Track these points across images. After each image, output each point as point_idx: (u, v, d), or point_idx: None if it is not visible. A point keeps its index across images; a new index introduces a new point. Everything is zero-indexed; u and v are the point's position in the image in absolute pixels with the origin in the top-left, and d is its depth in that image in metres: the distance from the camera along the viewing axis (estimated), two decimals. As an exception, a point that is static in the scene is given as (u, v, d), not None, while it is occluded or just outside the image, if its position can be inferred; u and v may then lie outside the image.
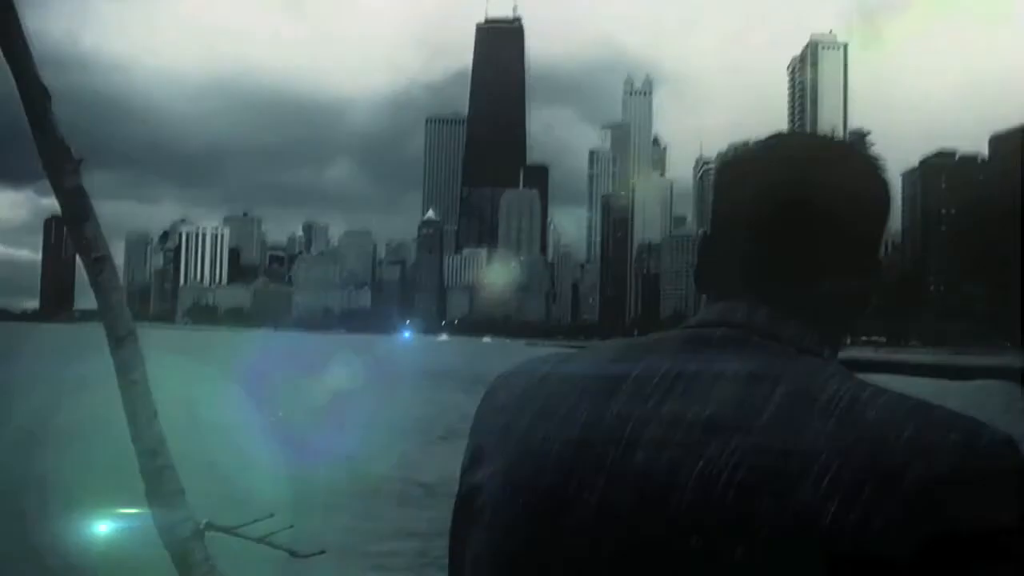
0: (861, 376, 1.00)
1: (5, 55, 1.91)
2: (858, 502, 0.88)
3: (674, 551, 0.93)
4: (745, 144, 1.15)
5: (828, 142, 1.14)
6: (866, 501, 0.88)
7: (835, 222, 1.08)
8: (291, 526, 2.05)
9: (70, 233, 1.95)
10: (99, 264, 1.93)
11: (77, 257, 1.97)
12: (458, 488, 1.15)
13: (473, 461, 1.13)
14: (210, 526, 1.91)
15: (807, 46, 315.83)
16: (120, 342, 1.91)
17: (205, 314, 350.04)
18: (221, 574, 1.88)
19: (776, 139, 1.15)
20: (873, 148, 1.15)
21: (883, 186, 1.13)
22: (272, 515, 2.03)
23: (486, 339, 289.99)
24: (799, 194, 1.08)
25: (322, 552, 2.18)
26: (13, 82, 1.93)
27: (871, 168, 1.13)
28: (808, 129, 1.15)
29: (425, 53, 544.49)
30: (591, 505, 0.98)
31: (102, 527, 2.94)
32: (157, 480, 1.87)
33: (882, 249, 1.15)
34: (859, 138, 1.13)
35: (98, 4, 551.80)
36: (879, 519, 0.88)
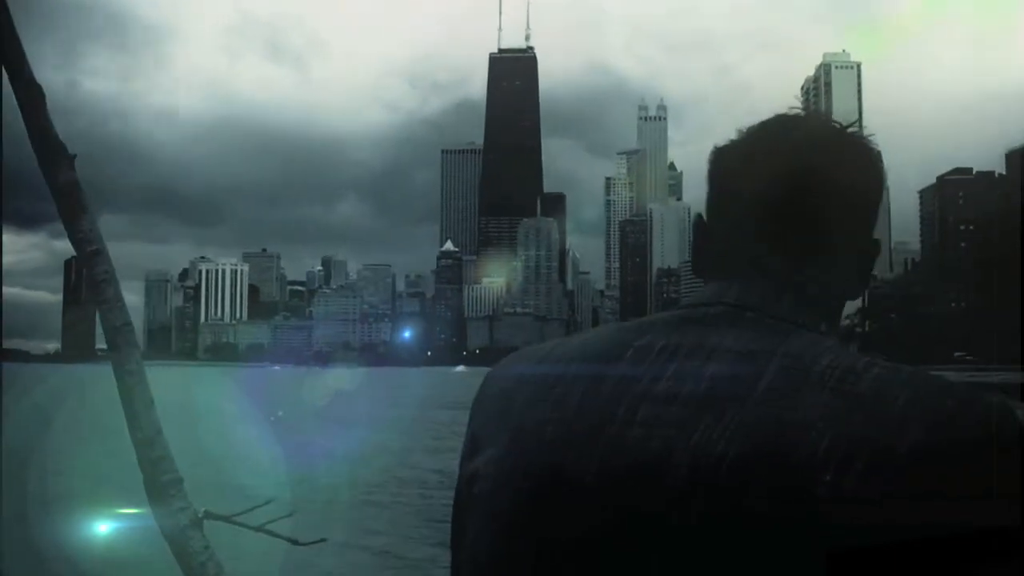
0: None
1: (0, 57, 1.94)
2: (853, 470, 0.88)
3: (670, 526, 0.92)
4: (738, 131, 1.16)
5: (817, 123, 1.15)
6: (862, 469, 0.88)
7: (826, 201, 1.08)
8: (291, 514, 2.02)
9: (66, 227, 1.97)
10: (94, 257, 1.95)
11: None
12: (458, 477, 1.16)
13: (471, 448, 1.14)
14: (208, 514, 1.89)
15: (820, 66, 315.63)
16: (116, 332, 1.92)
17: (225, 351, 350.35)
18: (220, 562, 1.85)
19: (766, 124, 1.15)
20: (863, 129, 1.14)
21: (874, 164, 1.13)
22: (270, 501, 2.01)
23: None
24: (789, 175, 1.08)
25: (323, 540, 2.16)
26: (9, 84, 1.95)
27: (862, 147, 1.13)
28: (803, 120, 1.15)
29: (423, 88, 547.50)
30: (587, 483, 0.98)
31: (102, 527, 3.01)
32: (154, 469, 1.86)
33: (876, 226, 1.15)
34: (850, 121, 1.13)
35: (93, 51, 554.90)
36: (875, 487, 0.87)
